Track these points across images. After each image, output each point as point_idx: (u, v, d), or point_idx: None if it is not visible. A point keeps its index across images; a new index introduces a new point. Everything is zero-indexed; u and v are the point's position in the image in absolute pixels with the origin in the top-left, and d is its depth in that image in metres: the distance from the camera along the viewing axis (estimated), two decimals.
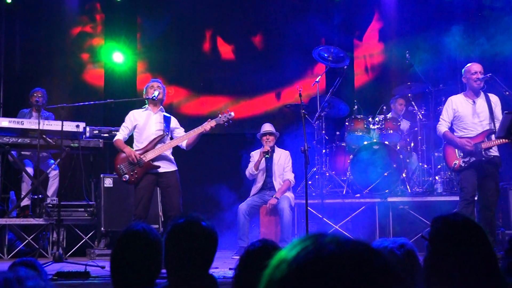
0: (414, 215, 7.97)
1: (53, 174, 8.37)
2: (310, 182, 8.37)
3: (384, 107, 8.80)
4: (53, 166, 8.34)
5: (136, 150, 6.54)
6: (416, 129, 8.73)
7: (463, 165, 6.60)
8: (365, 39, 11.01)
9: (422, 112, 8.69)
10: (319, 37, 10.44)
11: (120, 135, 6.69)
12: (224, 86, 10.94)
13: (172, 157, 6.72)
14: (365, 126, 8.53)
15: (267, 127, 7.98)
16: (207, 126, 6.55)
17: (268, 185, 7.92)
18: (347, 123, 8.66)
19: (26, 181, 8.33)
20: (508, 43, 8.12)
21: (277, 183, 7.86)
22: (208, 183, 9.15)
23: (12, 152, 8.14)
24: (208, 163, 9.98)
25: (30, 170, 8.28)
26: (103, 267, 5.82)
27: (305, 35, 10.31)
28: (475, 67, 6.71)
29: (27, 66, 10.41)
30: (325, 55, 8.87)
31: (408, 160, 8.55)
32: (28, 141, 7.90)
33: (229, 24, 11.09)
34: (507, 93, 6.84)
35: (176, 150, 6.86)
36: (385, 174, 8.07)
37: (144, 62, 10.97)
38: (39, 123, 7.76)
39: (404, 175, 8.25)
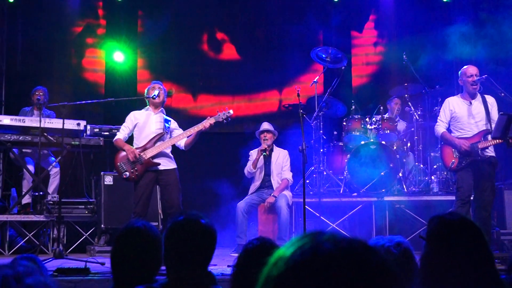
0: (410, 214, 8.01)
1: (54, 172, 8.39)
2: (307, 181, 8.41)
3: (381, 108, 8.82)
4: (54, 163, 8.36)
5: (136, 148, 6.58)
6: (412, 129, 8.78)
7: (460, 165, 6.65)
8: (362, 40, 11.05)
9: (419, 113, 8.72)
10: (318, 38, 10.49)
11: (121, 134, 6.73)
12: (223, 86, 10.96)
13: (171, 155, 6.77)
14: (362, 126, 8.59)
15: (265, 125, 8.04)
16: (206, 123, 6.59)
17: (266, 184, 7.96)
18: (344, 123, 8.73)
19: (27, 178, 8.34)
20: (505, 45, 8.19)
21: (275, 182, 7.89)
22: (207, 181, 9.16)
23: (13, 149, 8.15)
24: (207, 161, 10.00)
25: (31, 167, 8.29)
26: (103, 264, 5.86)
27: (304, 36, 10.37)
28: (471, 70, 6.75)
29: (29, 64, 10.40)
30: (323, 55, 8.92)
31: (404, 160, 8.57)
32: (30, 138, 7.92)
33: (229, 24, 11.12)
34: (503, 94, 6.88)
35: (176, 149, 6.90)
36: (382, 173, 8.13)
37: (144, 61, 10.97)
38: (40, 121, 7.75)
39: (400, 174, 8.28)
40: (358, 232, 8.21)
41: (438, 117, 7.01)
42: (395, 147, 8.48)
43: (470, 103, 6.77)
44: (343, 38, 10.59)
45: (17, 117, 8.04)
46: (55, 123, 7.90)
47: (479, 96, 6.81)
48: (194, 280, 2.54)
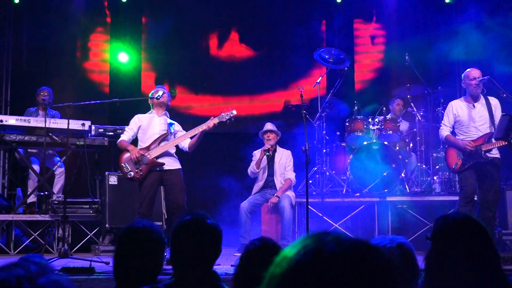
0: (412, 214, 8.03)
1: (59, 172, 8.43)
2: (310, 181, 8.45)
3: (384, 108, 8.86)
4: (59, 163, 8.40)
5: (140, 149, 6.59)
6: (415, 130, 8.79)
7: (463, 166, 6.67)
8: (365, 41, 11.08)
9: (421, 114, 8.74)
10: (321, 39, 10.52)
11: (125, 136, 6.74)
12: (227, 86, 11.01)
13: (176, 156, 6.78)
14: (365, 126, 8.61)
15: (268, 126, 8.08)
16: (210, 124, 6.61)
17: (269, 184, 7.99)
18: (347, 124, 8.75)
19: (32, 178, 8.38)
20: (507, 45, 8.22)
21: (278, 182, 7.92)
22: (211, 181, 9.20)
23: (19, 149, 8.20)
24: (211, 161, 10.01)
25: (36, 167, 8.33)
26: (107, 263, 5.88)
27: (307, 37, 10.39)
28: (473, 73, 6.76)
29: (34, 65, 10.46)
30: (326, 56, 8.95)
31: (407, 160, 8.59)
32: (35, 139, 7.96)
33: (232, 25, 11.17)
34: (505, 95, 6.86)
35: (180, 150, 6.90)
36: (384, 174, 8.15)
37: (148, 62, 11.03)
38: (45, 121, 7.81)
39: (403, 175, 8.31)
40: (361, 232, 8.21)
41: (442, 121, 7.05)
42: (397, 148, 8.50)
43: (473, 106, 6.79)
44: (346, 39, 10.63)
45: (23, 118, 8.08)
46: (60, 124, 7.94)
47: (482, 99, 6.83)
48: (199, 279, 2.55)
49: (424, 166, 8.70)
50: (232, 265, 5.78)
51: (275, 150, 8.06)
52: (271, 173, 8.00)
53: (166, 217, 7.92)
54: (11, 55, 10.32)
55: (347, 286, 0.95)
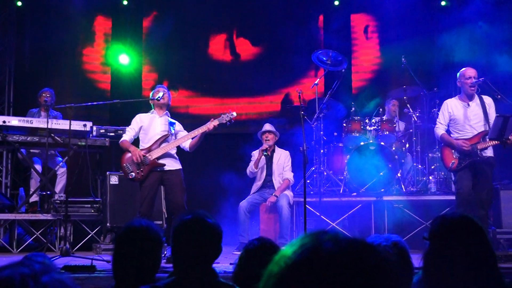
0: (408, 213, 8.08)
1: (61, 172, 8.48)
2: (308, 181, 8.52)
3: (381, 109, 8.92)
4: (61, 163, 8.46)
5: (142, 150, 6.65)
6: (411, 130, 8.82)
7: (459, 165, 6.71)
8: (362, 43, 11.15)
9: (417, 115, 8.75)
10: (319, 41, 10.61)
11: (126, 136, 6.79)
12: (226, 87, 11.08)
13: (176, 156, 6.83)
14: (362, 127, 8.67)
15: (267, 126, 8.16)
16: (210, 125, 6.65)
17: (268, 184, 8.06)
18: (344, 124, 8.82)
19: (34, 178, 8.44)
20: (501, 47, 8.29)
21: (276, 182, 7.99)
22: (211, 181, 9.26)
23: (21, 150, 8.24)
24: (211, 161, 10.06)
25: (38, 167, 8.39)
26: (108, 261, 5.75)
27: (305, 39, 10.46)
28: (469, 72, 6.80)
29: (36, 67, 10.53)
30: (324, 58, 9.03)
31: (403, 161, 8.64)
32: (37, 139, 8.00)
33: (232, 27, 11.24)
34: (499, 96, 6.90)
35: (180, 150, 6.96)
36: (381, 173, 8.21)
37: (149, 64, 11.11)
38: (47, 122, 7.88)
39: (399, 174, 8.36)
40: (358, 231, 8.25)
41: (437, 120, 7.08)
42: (393, 148, 8.55)
43: (468, 104, 6.83)
44: (344, 41, 10.68)
45: (25, 118, 8.12)
46: (62, 124, 7.98)
47: (476, 97, 6.86)
48: (199, 277, 2.57)
49: (420, 166, 8.73)
50: (231, 264, 5.83)
51: (273, 151, 8.13)
52: (269, 173, 8.06)
53: (166, 216, 7.96)
54: (14, 57, 10.42)
55: (345, 284, 0.95)
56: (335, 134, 9.17)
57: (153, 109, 6.94)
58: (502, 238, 7.76)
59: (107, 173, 8.10)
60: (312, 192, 8.48)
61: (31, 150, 8.59)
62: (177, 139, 6.81)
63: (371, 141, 8.49)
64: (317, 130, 8.90)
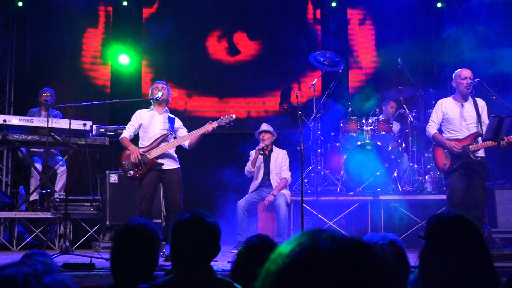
0: (404, 212, 8.13)
1: (61, 170, 8.52)
2: (305, 180, 8.54)
3: (377, 110, 8.95)
4: (61, 162, 8.49)
5: (141, 148, 6.68)
6: (407, 131, 8.87)
7: (451, 166, 6.72)
8: (359, 44, 11.22)
9: (413, 115, 8.82)
10: (316, 42, 10.66)
11: (126, 133, 6.83)
12: (225, 88, 11.13)
13: (175, 155, 6.87)
14: (359, 127, 8.74)
15: (264, 126, 8.18)
16: (209, 127, 6.71)
17: (265, 183, 8.08)
18: (341, 124, 8.87)
19: (35, 176, 8.48)
20: (496, 49, 8.34)
21: (274, 181, 8.01)
22: (210, 180, 9.28)
23: (22, 148, 8.27)
24: (209, 161, 10.07)
25: (38, 166, 8.43)
26: (107, 259, 5.94)
27: (303, 40, 10.51)
28: (465, 73, 6.81)
29: (37, 67, 10.57)
30: (321, 59, 9.07)
31: (399, 160, 8.68)
32: (37, 138, 8.04)
33: (231, 28, 11.29)
34: (494, 97, 6.91)
35: (180, 148, 7.01)
36: (377, 173, 8.24)
37: (149, 64, 11.15)
38: (47, 121, 7.91)
39: (395, 174, 8.40)
40: (354, 229, 8.28)
41: (430, 118, 7.08)
42: (390, 148, 8.59)
43: (462, 105, 6.84)
44: (341, 42, 10.74)
45: (25, 117, 8.14)
46: (62, 123, 8.01)
47: (470, 99, 6.88)
48: (197, 275, 2.59)
49: (416, 166, 8.78)
50: (229, 262, 5.84)
51: (271, 150, 8.16)
52: (267, 172, 8.09)
53: (165, 214, 8.00)
54: (15, 56, 10.45)
55: (342, 283, 0.96)
56: (332, 134, 9.19)
57: (152, 106, 6.98)
58: (497, 238, 7.81)
59: (107, 172, 8.12)
60: (309, 191, 8.51)
61: (32, 149, 8.61)
62: (176, 140, 6.86)
63: (367, 141, 8.54)
64: (315, 130, 8.94)
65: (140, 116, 6.91)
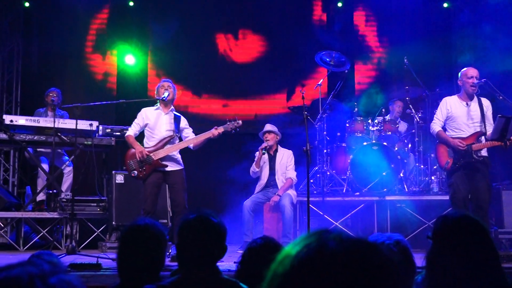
0: (410, 213, 8.11)
1: (67, 170, 8.54)
2: (311, 181, 8.54)
3: (383, 110, 8.94)
4: (67, 162, 8.51)
5: (146, 148, 6.70)
6: (413, 131, 8.85)
7: (454, 165, 6.68)
8: (365, 44, 11.18)
9: (419, 115, 8.79)
10: (322, 42, 10.65)
11: (131, 131, 6.85)
12: (230, 88, 11.14)
13: (179, 157, 6.88)
14: (365, 127, 8.73)
15: (268, 127, 8.19)
16: (215, 132, 6.74)
17: (271, 183, 8.07)
18: (347, 125, 8.86)
19: (41, 176, 8.49)
20: (502, 49, 8.33)
21: (279, 181, 8.01)
22: (216, 181, 9.32)
23: (28, 149, 8.30)
24: (215, 161, 10.06)
25: (45, 166, 8.45)
26: (114, 259, 5.95)
27: (309, 40, 10.52)
28: (471, 72, 6.76)
29: (43, 67, 10.60)
30: (327, 59, 9.07)
31: (405, 161, 8.65)
32: (44, 138, 8.07)
33: (236, 28, 11.31)
34: (501, 97, 6.88)
35: (185, 148, 6.99)
36: (384, 173, 8.23)
37: (154, 64, 11.16)
38: (54, 122, 7.95)
39: (401, 174, 8.39)
40: (360, 230, 8.30)
41: (435, 115, 7.03)
42: (396, 148, 8.58)
43: (468, 104, 6.79)
44: (347, 42, 10.73)
45: (32, 118, 8.19)
46: (69, 124, 8.04)
47: (475, 98, 6.84)
48: (203, 276, 2.58)
49: (422, 166, 8.76)
50: (234, 262, 5.86)
51: (276, 150, 8.16)
52: (272, 173, 8.09)
53: (171, 215, 8.03)
54: (21, 57, 10.49)
55: (349, 284, 0.95)
56: (338, 134, 9.18)
57: (158, 105, 6.96)
58: (504, 238, 7.80)
59: (113, 172, 8.13)
60: (315, 192, 8.50)
61: (38, 149, 8.64)
62: (181, 143, 6.87)
63: (374, 141, 8.53)
64: (320, 130, 8.94)
65: (146, 115, 6.91)
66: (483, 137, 6.73)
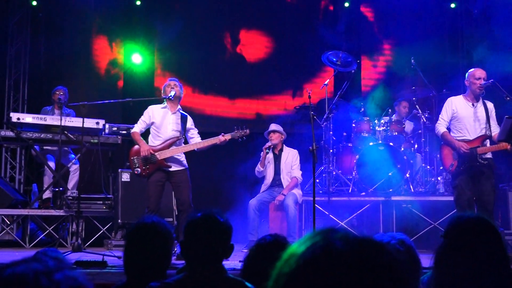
0: (416, 213, 8.09)
1: (74, 168, 8.57)
2: (317, 180, 8.56)
3: (390, 110, 8.93)
4: (73, 160, 8.55)
5: (151, 146, 6.71)
6: (420, 131, 8.83)
7: (458, 168, 6.63)
8: (371, 44, 11.19)
9: (426, 116, 8.76)
10: (328, 42, 10.65)
11: (137, 128, 6.85)
12: (237, 87, 11.16)
13: (184, 158, 6.89)
14: (371, 127, 8.72)
15: (272, 126, 8.20)
16: (222, 139, 6.77)
17: (276, 182, 8.07)
18: (354, 125, 8.87)
19: (47, 174, 8.52)
20: (510, 49, 8.31)
21: (285, 180, 8.01)
22: (222, 180, 9.33)
23: (35, 146, 8.34)
24: (221, 161, 10.08)
25: (51, 164, 8.48)
26: (119, 257, 5.95)
27: (315, 40, 10.52)
28: (479, 73, 6.70)
29: (50, 65, 10.63)
30: (334, 59, 9.04)
31: (411, 161, 8.63)
32: (50, 136, 8.11)
33: (242, 27, 11.32)
34: (508, 98, 6.77)
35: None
36: (390, 174, 8.21)
37: (161, 63, 11.19)
38: (61, 120, 7.98)
39: (407, 175, 8.36)
40: (366, 230, 8.28)
41: (440, 115, 6.98)
42: (402, 149, 8.57)
43: (474, 105, 6.74)
44: (353, 42, 10.73)
45: (39, 116, 8.23)
46: (75, 122, 8.07)
47: (481, 100, 6.79)
48: (208, 274, 2.59)
49: (428, 167, 8.73)
50: (240, 261, 5.87)
51: (281, 150, 8.16)
52: (277, 172, 8.08)
53: (176, 213, 8.04)
54: (29, 55, 10.53)
55: (356, 284, 0.94)
56: (344, 134, 9.18)
57: (165, 104, 6.94)
58: (510, 240, 7.76)
59: (119, 170, 8.16)
60: (321, 192, 8.48)
61: (45, 147, 8.67)
62: (187, 145, 6.88)
63: (380, 142, 8.51)
64: (327, 130, 8.91)
65: (153, 113, 6.90)
66: (487, 141, 6.68)
